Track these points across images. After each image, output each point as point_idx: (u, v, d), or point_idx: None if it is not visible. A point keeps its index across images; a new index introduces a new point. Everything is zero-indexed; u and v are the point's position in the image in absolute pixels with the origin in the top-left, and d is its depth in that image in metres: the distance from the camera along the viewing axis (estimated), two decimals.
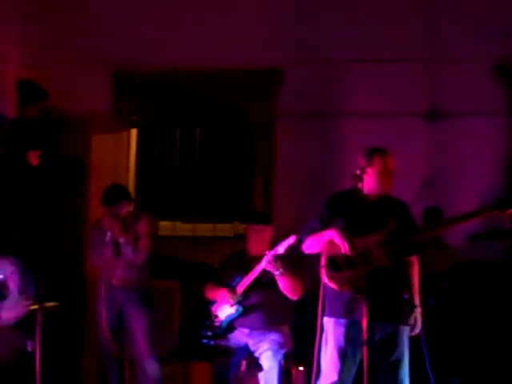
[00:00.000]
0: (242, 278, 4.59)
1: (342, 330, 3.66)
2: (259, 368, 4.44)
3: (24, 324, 4.00)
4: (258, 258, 4.49)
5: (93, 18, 6.11)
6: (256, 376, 4.41)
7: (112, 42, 6.10)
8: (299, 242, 3.92)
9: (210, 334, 4.53)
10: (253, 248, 4.68)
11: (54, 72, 6.04)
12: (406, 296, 3.65)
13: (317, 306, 3.79)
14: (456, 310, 4.84)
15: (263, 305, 4.57)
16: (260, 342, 4.51)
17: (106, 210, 4.94)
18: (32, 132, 5.62)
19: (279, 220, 5.25)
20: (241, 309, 4.58)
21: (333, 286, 3.62)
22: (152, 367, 4.87)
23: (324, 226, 3.72)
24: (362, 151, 3.78)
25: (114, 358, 4.91)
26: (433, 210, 5.37)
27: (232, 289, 4.62)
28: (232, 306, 4.60)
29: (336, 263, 3.60)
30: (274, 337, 4.49)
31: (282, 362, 4.38)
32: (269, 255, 4.37)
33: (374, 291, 3.49)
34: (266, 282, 4.52)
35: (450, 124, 5.77)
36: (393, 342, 3.64)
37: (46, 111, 5.99)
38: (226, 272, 4.75)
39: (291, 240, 4.28)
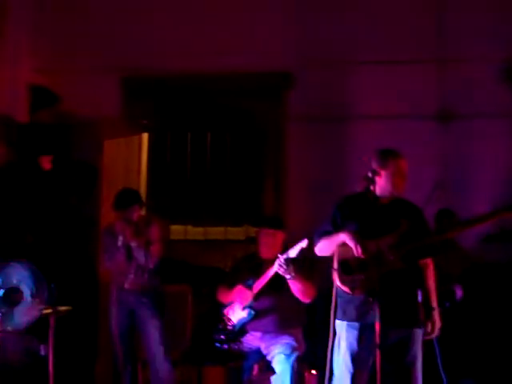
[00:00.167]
0: (254, 281, 4.59)
1: (354, 333, 3.65)
2: (272, 372, 4.43)
3: (37, 328, 4.02)
4: (270, 262, 4.49)
5: (104, 23, 6.13)
6: (268, 380, 4.39)
7: (123, 46, 6.12)
8: (311, 245, 3.91)
9: (223, 337, 4.54)
10: (264, 251, 4.68)
11: (66, 77, 6.07)
12: (420, 299, 3.63)
13: (329, 309, 3.79)
14: (469, 312, 4.82)
15: (275, 308, 4.57)
16: (272, 345, 4.50)
17: (118, 215, 4.96)
18: (44, 137, 5.66)
19: (290, 223, 5.23)
20: (253, 312, 4.58)
21: (345, 289, 3.61)
22: (165, 371, 4.89)
23: (336, 228, 3.71)
24: (375, 153, 3.78)
25: (126, 362, 4.92)
26: (445, 212, 5.34)
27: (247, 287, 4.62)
28: (244, 308, 4.60)
29: (348, 266, 3.59)
30: (286, 340, 4.48)
31: (295, 366, 4.36)
32: (281, 259, 4.37)
33: (386, 294, 3.48)
34: (278, 285, 4.51)
35: (461, 126, 5.74)
36: (406, 345, 3.62)
37: (58, 116, 6.03)
38: (238, 275, 4.75)
39: (303, 244, 4.27)
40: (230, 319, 4.60)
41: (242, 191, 6.27)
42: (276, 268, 4.39)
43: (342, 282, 3.61)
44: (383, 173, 3.70)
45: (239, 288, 4.62)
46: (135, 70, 6.14)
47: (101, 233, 5.22)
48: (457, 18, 5.80)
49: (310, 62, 5.93)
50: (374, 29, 5.85)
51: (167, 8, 6.15)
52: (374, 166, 3.73)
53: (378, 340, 3.42)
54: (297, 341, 4.50)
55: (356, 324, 3.65)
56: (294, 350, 4.43)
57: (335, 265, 3.64)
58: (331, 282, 3.73)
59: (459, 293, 4.63)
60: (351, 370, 3.63)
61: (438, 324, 3.70)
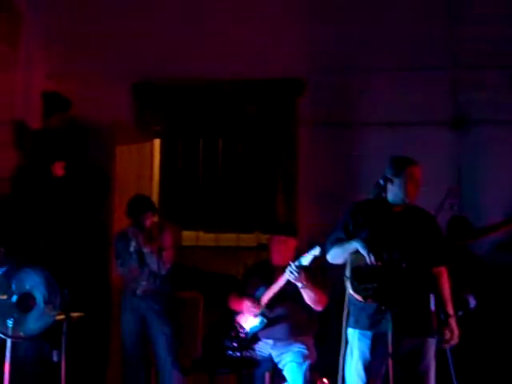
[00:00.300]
0: (266, 289, 4.58)
1: (366, 342, 3.63)
2: (283, 380, 4.42)
3: (50, 334, 4.02)
4: (282, 269, 4.48)
5: (116, 29, 6.14)
6: None
7: (135, 53, 6.13)
8: (323, 252, 3.90)
9: (235, 344, 4.53)
10: (276, 258, 4.67)
11: (79, 83, 6.08)
12: (433, 307, 3.60)
13: (341, 317, 3.77)
14: (483, 321, 4.78)
15: (287, 316, 4.56)
16: (284, 353, 4.49)
17: (131, 221, 4.97)
18: (57, 143, 5.68)
19: (302, 230, 5.23)
20: (265, 320, 4.57)
21: (358, 297, 3.59)
22: (174, 379, 4.88)
23: (348, 236, 3.70)
24: (389, 160, 3.77)
25: (139, 368, 4.92)
26: (459, 219, 5.31)
27: (256, 300, 4.61)
28: (256, 316, 4.59)
29: (361, 274, 3.57)
30: (297, 348, 4.47)
31: (307, 374, 4.35)
32: (292, 265, 4.35)
33: (399, 303, 3.46)
34: (289, 293, 4.50)
35: (475, 132, 5.71)
36: (419, 354, 3.60)
37: (71, 122, 6.05)
38: (250, 282, 4.75)
39: (316, 251, 4.25)
40: (242, 327, 4.60)
41: (254, 197, 6.26)
42: (287, 275, 4.38)
43: (355, 290, 3.59)
44: (396, 180, 3.69)
45: (246, 304, 4.61)
46: (147, 77, 6.15)
47: (113, 239, 5.24)
48: (470, 24, 5.77)
49: (322, 69, 5.92)
50: (387, 36, 5.82)
51: (179, 15, 6.16)
52: (388, 173, 3.72)
53: (390, 349, 3.41)
54: (308, 349, 4.49)
55: (368, 333, 3.63)
56: (305, 358, 4.42)
57: (348, 273, 3.63)
58: (343, 290, 3.72)
59: (472, 302, 4.59)
60: (364, 379, 3.61)
61: (456, 331, 3.67)
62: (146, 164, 6.20)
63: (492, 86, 5.69)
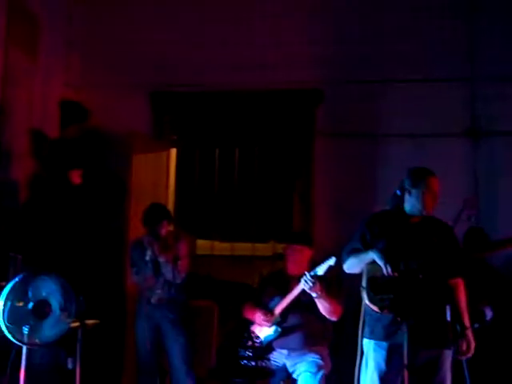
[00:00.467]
0: (281, 299, 4.57)
1: (382, 353, 3.61)
2: None
3: (65, 341, 4.03)
4: (297, 278, 4.47)
5: (133, 39, 6.19)
6: None
7: (153, 62, 6.17)
8: (339, 262, 3.89)
9: (250, 354, 4.51)
10: (292, 268, 4.67)
11: (96, 92, 6.13)
12: (449, 319, 3.57)
13: (356, 327, 3.75)
14: (499, 333, 4.73)
15: (302, 326, 4.54)
16: (298, 363, 4.48)
17: (147, 230, 4.98)
18: (74, 151, 5.72)
19: (318, 241, 5.21)
20: (279, 330, 4.56)
21: (374, 307, 3.58)
22: None
23: (365, 246, 3.69)
24: (407, 171, 3.76)
25: (154, 376, 4.92)
26: (475, 231, 5.27)
27: (270, 310, 4.60)
28: (270, 326, 4.58)
29: (377, 285, 3.56)
30: (312, 358, 4.45)
31: None
32: (307, 275, 4.34)
33: (416, 314, 3.44)
34: (304, 303, 4.49)
35: (493, 144, 5.68)
36: (435, 366, 3.57)
37: (88, 131, 6.09)
38: (265, 292, 4.74)
39: (331, 261, 4.24)
40: (257, 336, 4.58)
41: (270, 207, 6.27)
42: (302, 284, 4.37)
43: (371, 300, 3.58)
44: (414, 191, 3.68)
45: (258, 315, 4.60)
46: (165, 86, 6.19)
47: (129, 247, 5.25)
48: (488, 35, 5.76)
49: (339, 79, 5.92)
50: (405, 47, 5.81)
51: (196, 25, 6.19)
52: (406, 183, 3.71)
53: (406, 361, 3.38)
54: (323, 359, 4.47)
55: (384, 343, 3.61)
56: (320, 368, 4.39)
57: (364, 283, 3.62)
58: (359, 300, 3.70)
59: (489, 313, 4.55)
60: None
61: (472, 344, 3.65)
62: (162, 173, 6.22)
63: (510, 97, 5.66)
